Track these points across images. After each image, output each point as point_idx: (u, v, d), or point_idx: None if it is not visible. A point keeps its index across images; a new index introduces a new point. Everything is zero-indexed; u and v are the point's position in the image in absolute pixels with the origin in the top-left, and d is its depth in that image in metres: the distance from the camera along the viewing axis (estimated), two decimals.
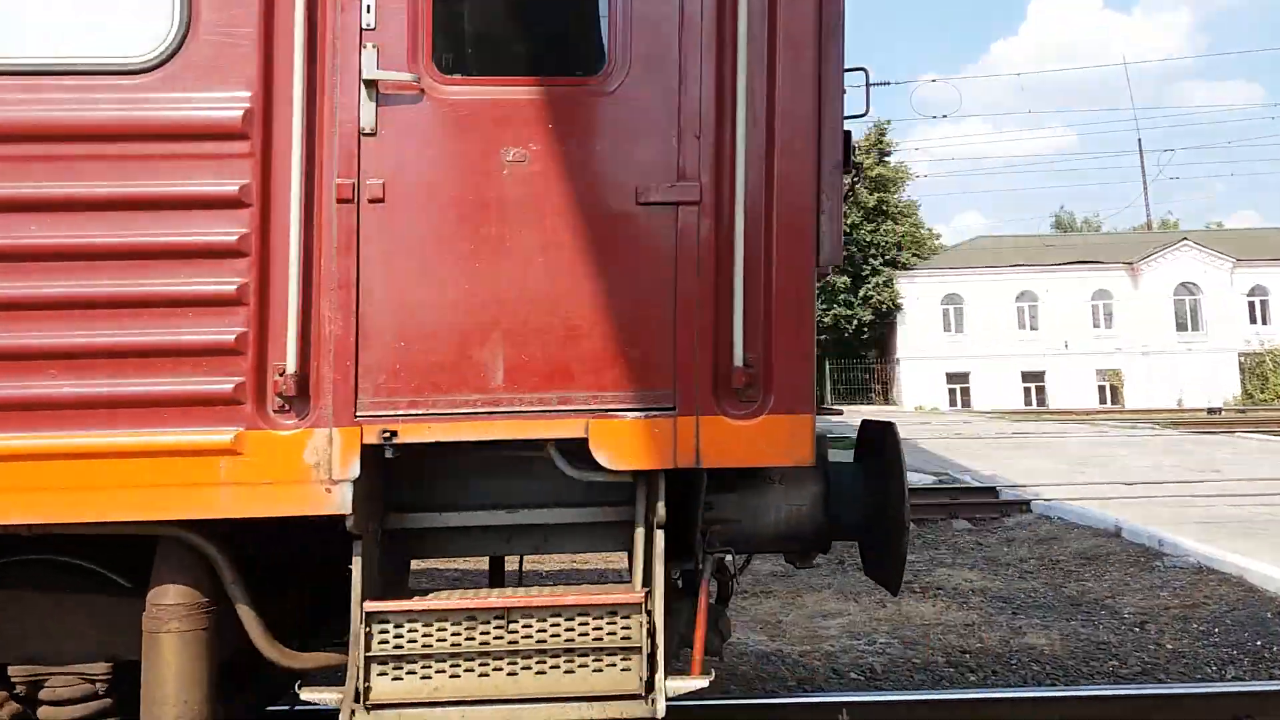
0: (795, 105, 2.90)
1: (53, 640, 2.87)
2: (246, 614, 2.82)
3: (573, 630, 2.78)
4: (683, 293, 2.84)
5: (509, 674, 2.74)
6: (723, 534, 3.20)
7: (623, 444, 2.79)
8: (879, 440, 3.52)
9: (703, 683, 2.83)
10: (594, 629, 2.78)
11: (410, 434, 2.73)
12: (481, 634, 2.75)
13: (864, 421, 4.65)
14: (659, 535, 2.87)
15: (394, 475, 2.97)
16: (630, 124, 2.87)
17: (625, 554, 3.18)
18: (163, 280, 2.70)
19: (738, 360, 2.82)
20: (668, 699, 2.77)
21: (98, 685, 2.92)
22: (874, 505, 3.29)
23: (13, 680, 2.91)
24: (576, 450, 2.85)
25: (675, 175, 2.86)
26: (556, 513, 3.04)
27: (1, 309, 2.65)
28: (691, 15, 2.88)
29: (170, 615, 2.75)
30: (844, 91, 3.01)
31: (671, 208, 2.85)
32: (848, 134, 3.05)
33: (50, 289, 2.67)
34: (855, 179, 3.54)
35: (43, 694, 2.91)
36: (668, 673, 2.81)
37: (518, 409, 2.79)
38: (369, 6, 2.79)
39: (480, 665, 2.74)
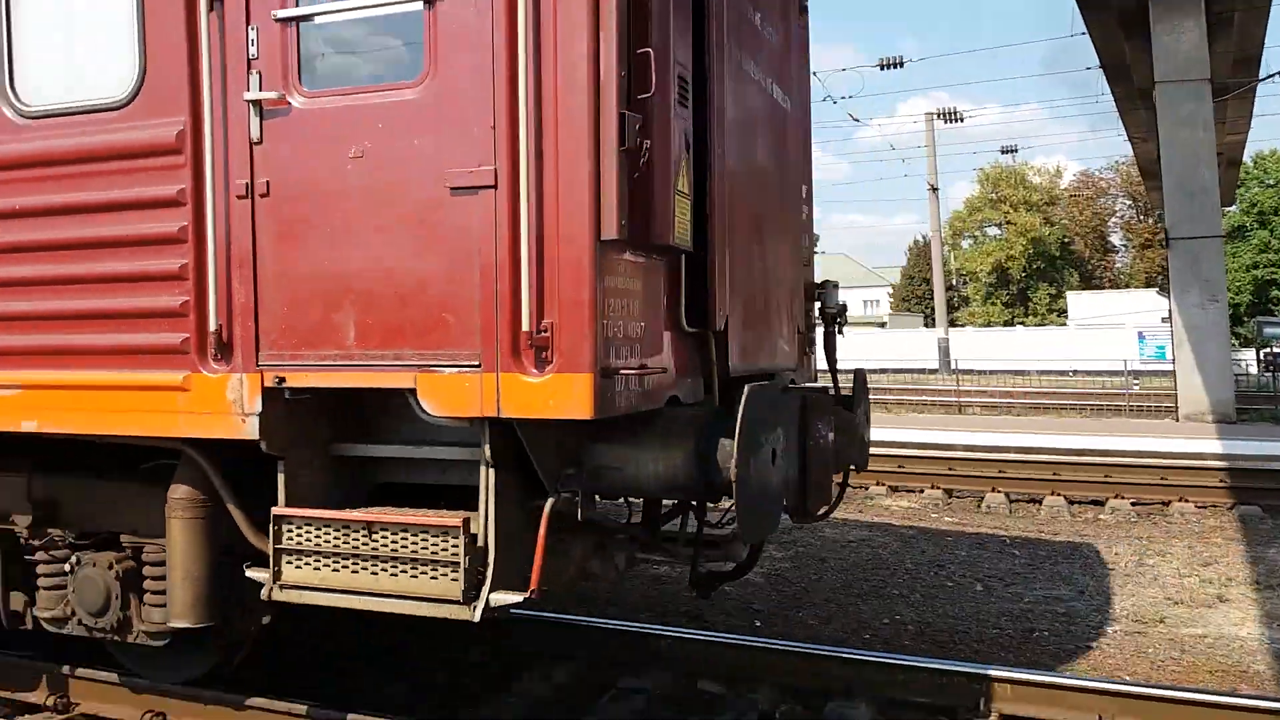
0: (569, 98, 3.13)
1: (121, 517, 4.14)
2: (233, 508, 3.82)
3: (416, 544, 3.43)
4: (484, 267, 3.26)
5: (371, 573, 3.48)
6: (598, 479, 3.61)
7: (440, 395, 3.33)
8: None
9: (516, 598, 3.36)
10: (431, 545, 3.41)
11: (295, 380, 3.51)
12: (351, 541, 3.50)
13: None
14: (487, 472, 3.38)
15: (339, 415, 3.75)
16: (440, 121, 3.29)
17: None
18: (140, 262, 3.70)
19: (525, 326, 3.19)
20: (488, 608, 3.34)
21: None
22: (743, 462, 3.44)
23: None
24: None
25: (476, 163, 3.23)
26: (441, 450, 3.66)
27: (43, 284, 3.84)
28: (482, 27, 3.21)
29: (177, 506, 3.85)
30: (621, 77, 3.12)
31: (474, 192, 3.24)
32: (623, 116, 3.13)
33: (71, 269, 3.80)
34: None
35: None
36: (495, 588, 3.37)
37: (366, 364, 3.43)
38: (253, 40, 3.46)
39: (352, 564, 3.51)
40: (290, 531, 3.57)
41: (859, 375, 5.34)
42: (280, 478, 3.64)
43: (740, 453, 3.35)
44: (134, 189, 3.68)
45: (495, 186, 3.21)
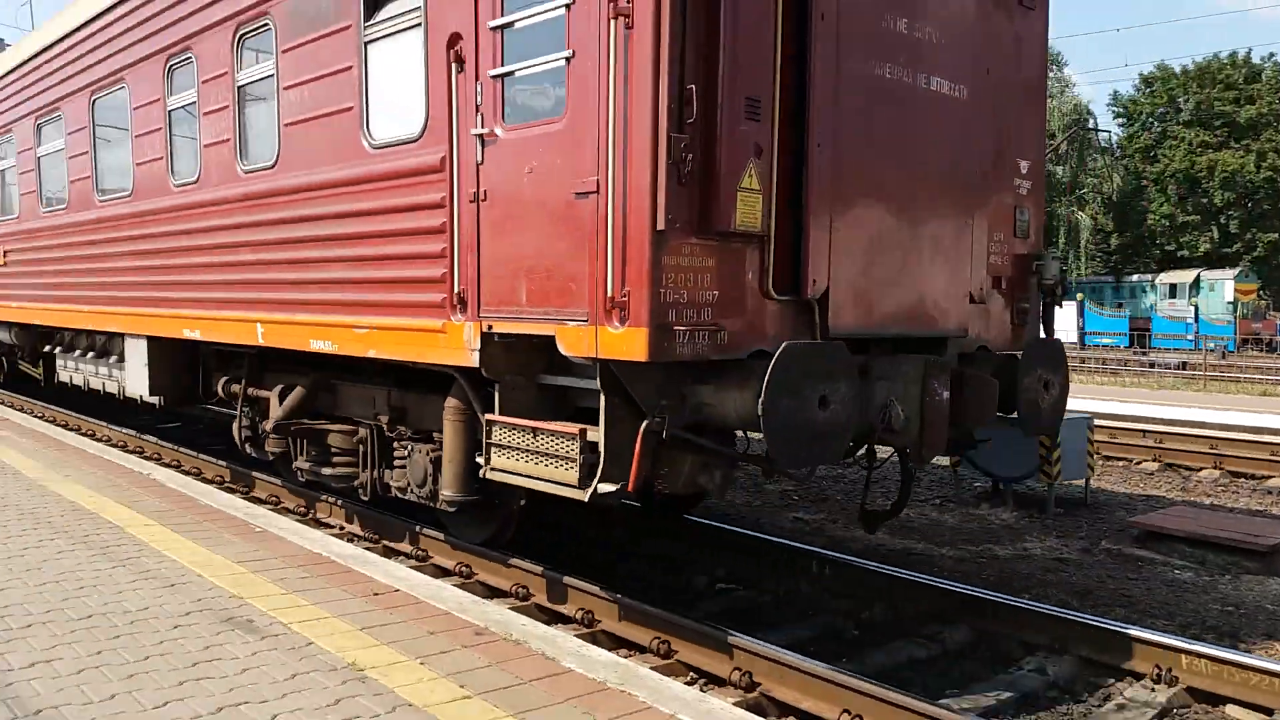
0: (636, 127, 4.31)
1: (436, 421, 6.07)
2: (478, 414, 5.55)
3: (556, 444, 4.83)
4: (590, 251, 4.49)
5: (534, 463, 4.97)
6: (699, 413, 4.75)
7: (568, 341, 4.64)
8: None
9: (614, 488, 4.63)
10: (563, 445, 4.79)
11: (497, 327, 5.08)
12: (525, 440, 5.02)
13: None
14: (599, 398, 4.68)
15: (535, 353, 5.20)
16: (573, 145, 4.59)
17: None
18: (421, 245, 5.54)
19: (610, 293, 4.38)
20: (595, 494, 4.68)
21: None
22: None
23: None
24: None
25: (588, 174, 4.48)
26: (584, 381, 5.01)
27: (376, 260, 5.86)
28: (593, 77, 4.48)
29: (448, 413, 5.68)
30: (671, 110, 4.24)
31: (586, 196, 4.50)
32: (670, 138, 4.25)
33: (389, 250, 5.77)
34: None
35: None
36: (603, 480, 4.68)
37: (531, 317, 4.88)
38: (479, 91, 5.07)
39: (525, 456, 5.02)
40: (495, 431, 5.18)
41: (1044, 346, 5.75)
42: (496, 396, 5.27)
43: (767, 394, 4.24)
44: (420, 195, 5.52)
45: (597, 192, 4.44)
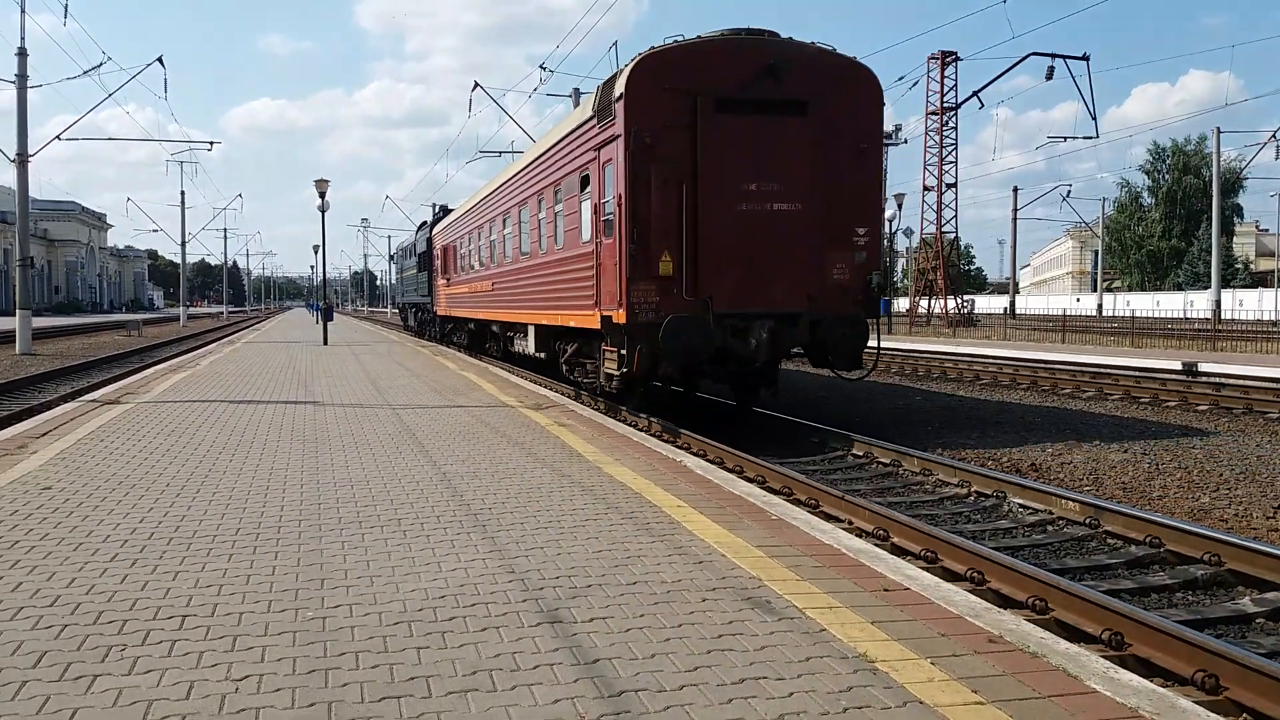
0: (610, 231, 12.19)
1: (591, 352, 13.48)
2: (602, 346, 12.93)
3: (615, 357, 12.42)
4: (594, 281, 12.62)
5: (610, 364, 12.56)
6: (655, 345, 11.65)
7: (592, 320, 12.68)
8: None
9: (626, 370, 11.99)
10: (616, 357, 12.21)
11: (602, 313, 12.32)
12: (609, 355, 12.51)
13: None
14: (626, 339, 11.95)
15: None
16: (611, 248, 12.09)
17: None
18: (582, 279, 12.91)
19: (602, 300, 12.60)
20: (619, 377, 12.35)
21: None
22: None
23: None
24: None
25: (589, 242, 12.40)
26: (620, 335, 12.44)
27: (574, 286, 13.58)
28: (600, 192, 12.30)
29: (596, 348, 13.01)
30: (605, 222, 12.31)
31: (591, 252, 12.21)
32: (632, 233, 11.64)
33: (578, 283, 12.04)
34: None
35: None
36: (622, 367, 12.21)
37: (606, 309, 12.28)
38: (590, 220, 12.70)
39: (609, 362, 12.56)
40: (605, 353, 12.57)
41: (847, 315, 12.30)
42: (604, 342, 12.64)
43: (666, 330, 11.19)
44: (588, 262, 12.62)
45: (594, 249, 12.30)
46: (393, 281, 69.88)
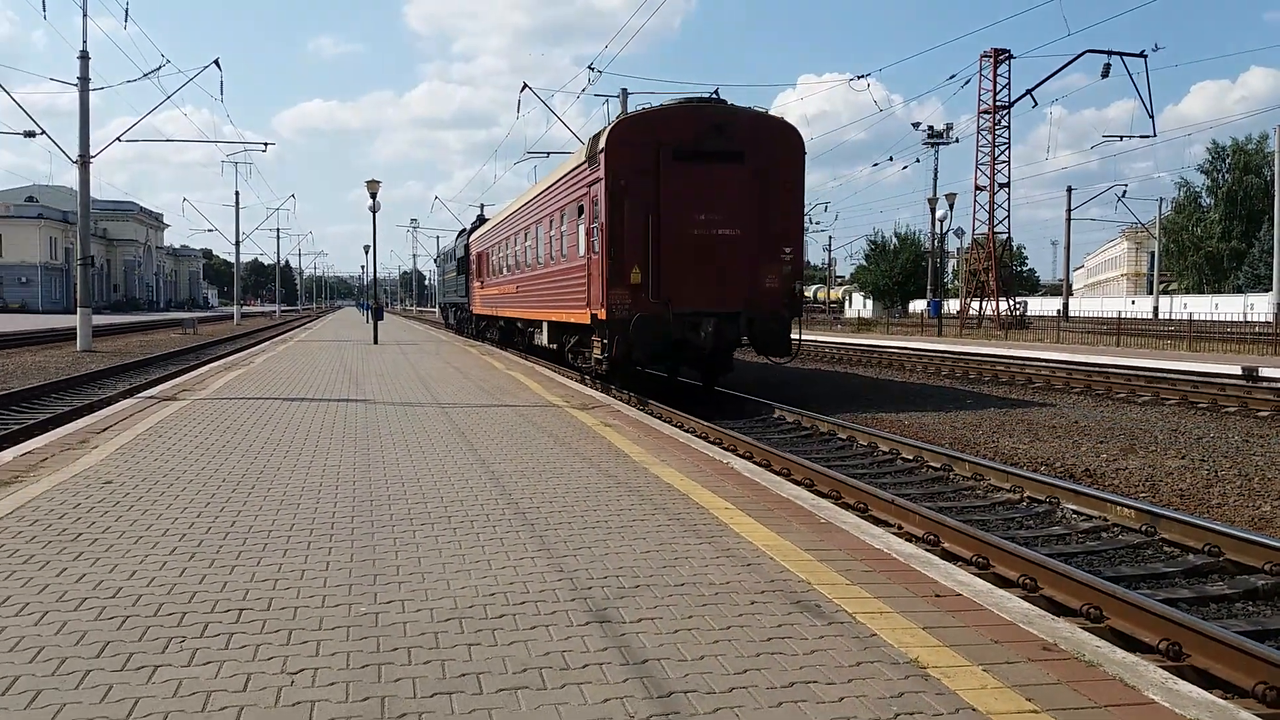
0: (596, 249, 16.22)
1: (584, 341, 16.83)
2: (592, 338, 16.87)
3: (600, 346, 16.22)
4: (585, 286, 16.53)
5: (597, 352, 16.36)
6: (628, 335, 15.61)
7: (583, 316, 16.70)
8: None
9: (609, 355, 15.76)
10: (600, 345, 16.12)
11: (591, 312, 16.14)
12: (596, 345, 16.40)
13: None
14: (601, 334, 16.08)
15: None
16: (578, 247, 17.50)
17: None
18: (577, 284, 16.83)
19: (592, 303, 16.25)
20: (605, 362, 16.16)
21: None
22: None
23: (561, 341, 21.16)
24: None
25: (584, 255, 16.36)
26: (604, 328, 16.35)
27: (569, 291, 17.92)
28: (589, 218, 16.34)
29: (589, 339, 16.93)
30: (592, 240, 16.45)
31: (584, 262, 16.55)
32: (611, 253, 15.65)
33: (574, 289, 16.67)
34: None
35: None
36: (604, 353, 16.18)
37: (584, 309, 16.74)
38: (583, 239, 16.85)
39: (597, 349, 16.38)
40: (595, 343, 16.25)
41: (773, 315, 16.01)
42: (595, 334, 16.29)
43: (630, 326, 15.08)
44: (582, 273, 16.53)
45: (586, 261, 16.36)
46: (436, 282, 73.48)
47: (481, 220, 39.47)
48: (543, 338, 22.01)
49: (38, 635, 3.83)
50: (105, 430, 9.62)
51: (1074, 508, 8.44)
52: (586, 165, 16.65)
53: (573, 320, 17.78)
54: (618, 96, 38.08)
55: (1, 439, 11.86)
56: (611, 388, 16.78)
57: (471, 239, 37.39)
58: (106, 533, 5.46)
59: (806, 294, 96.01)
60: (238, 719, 3.11)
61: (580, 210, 17.00)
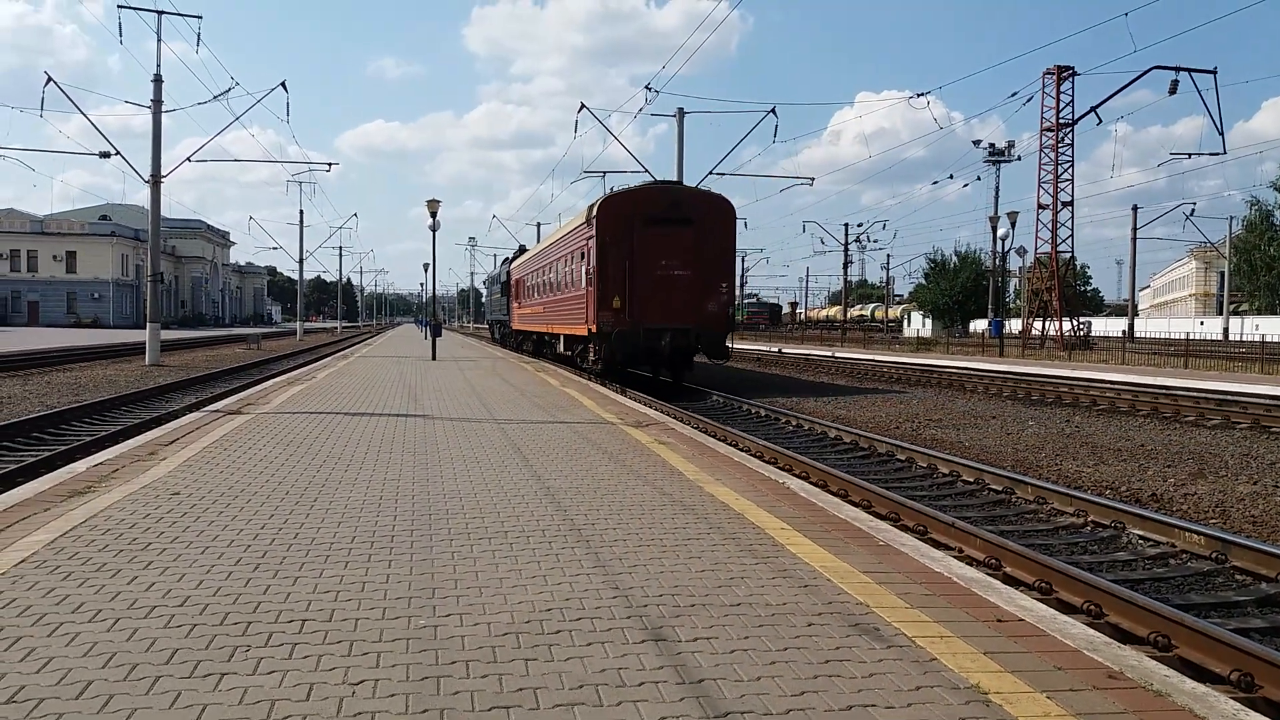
0: (589, 276, 22.95)
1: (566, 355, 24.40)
2: (590, 347, 23.88)
3: (592, 351, 23.60)
4: (585, 307, 23.36)
5: (594, 358, 23.67)
6: (612, 345, 22.60)
7: (582, 330, 23.78)
8: None
9: (600, 362, 23.06)
10: (593, 353, 23.49)
11: (590, 327, 22.69)
12: (593, 353, 23.66)
13: None
14: (596, 345, 23.08)
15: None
16: (580, 275, 24.05)
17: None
18: (581, 309, 23.35)
19: (590, 320, 22.72)
20: (598, 369, 23.38)
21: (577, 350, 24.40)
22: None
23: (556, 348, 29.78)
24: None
25: (584, 282, 23.08)
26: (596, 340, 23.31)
27: (572, 311, 25.32)
28: (588, 262, 22.98)
29: (588, 346, 23.79)
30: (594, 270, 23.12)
31: (585, 289, 23.13)
32: (600, 282, 22.53)
33: (576, 309, 23.88)
34: None
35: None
36: (595, 359, 23.78)
37: (581, 324, 23.75)
38: (590, 276, 22.64)
39: (589, 359, 24.20)
40: (591, 349, 23.35)
41: (714, 331, 22.65)
42: (593, 345, 23.02)
43: (611, 338, 21.86)
44: (583, 300, 23.28)
45: (585, 291, 22.86)
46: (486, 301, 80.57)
47: (522, 250, 46.62)
48: (560, 347, 28.84)
49: (110, 641, 3.94)
50: (173, 443, 9.88)
51: (1140, 533, 8.24)
52: (586, 224, 23.41)
53: (578, 333, 24.59)
54: (674, 115, 38.29)
55: (75, 450, 12.23)
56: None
57: (512, 266, 44.50)
58: (175, 542, 5.60)
59: (864, 312, 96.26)
60: None
61: (582, 255, 23.81)
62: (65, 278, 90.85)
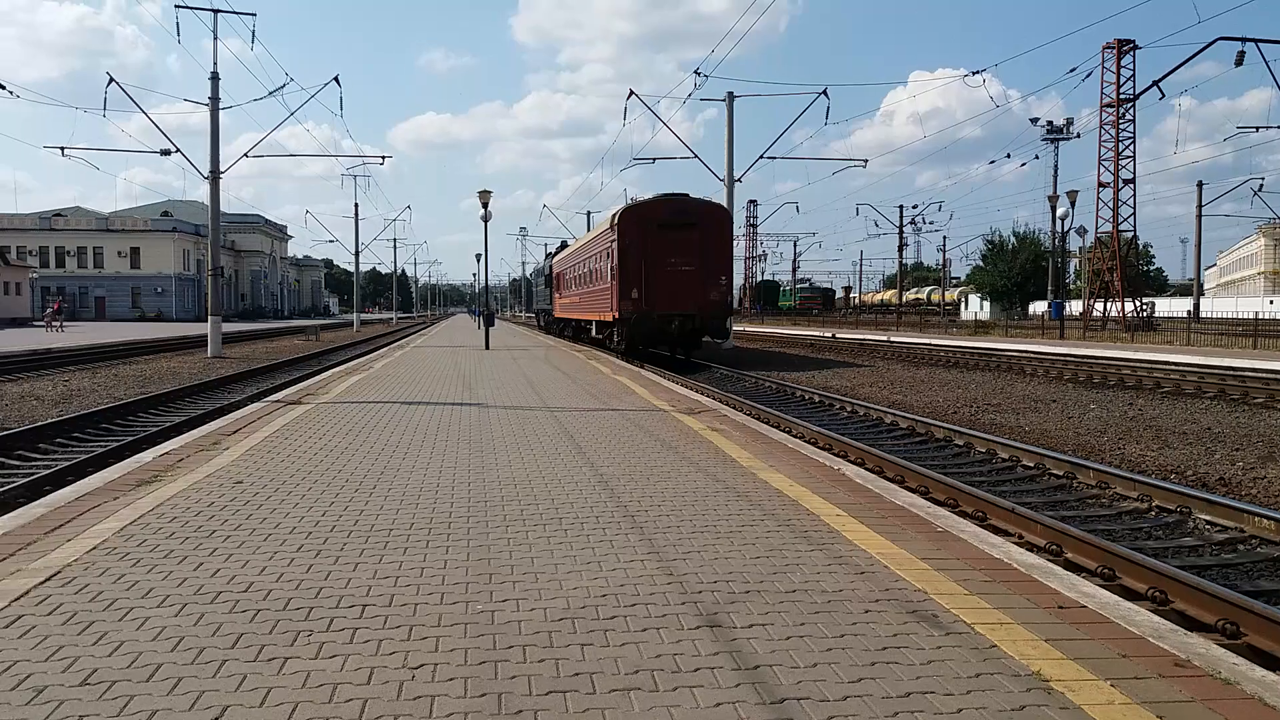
0: (614, 272, 27.31)
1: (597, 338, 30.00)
2: (614, 330, 28.27)
3: (614, 333, 28.60)
4: (610, 296, 27.82)
5: (618, 340, 28.07)
6: (632, 328, 27.26)
7: (607, 316, 28.44)
8: None
9: (623, 343, 27.56)
10: (616, 335, 28.04)
11: (615, 313, 27.17)
12: (616, 336, 28.27)
13: None
14: (619, 328, 27.57)
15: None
16: (606, 269, 29.05)
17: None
18: (607, 298, 28.08)
19: (615, 306, 27.07)
20: (620, 351, 27.74)
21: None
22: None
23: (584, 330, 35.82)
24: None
25: (609, 275, 27.73)
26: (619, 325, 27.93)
27: (602, 298, 29.72)
28: (611, 260, 27.70)
29: (614, 329, 28.02)
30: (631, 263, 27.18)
31: (609, 280, 27.93)
32: (623, 274, 27.05)
33: (602, 297, 29.17)
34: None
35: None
36: (619, 341, 28.10)
37: (606, 311, 28.76)
38: (617, 271, 26.81)
39: (606, 340, 30.44)
40: (615, 332, 28.09)
41: (716, 315, 27.01)
42: (616, 329, 27.62)
43: (630, 323, 26.33)
44: (608, 290, 27.91)
45: (610, 284, 27.42)
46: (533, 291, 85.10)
47: (563, 246, 52.01)
48: (593, 331, 33.27)
49: (178, 626, 4.05)
50: (235, 432, 10.09)
51: (1207, 518, 8.04)
52: (610, 229, 28.07)
53: (605, 319, 29.12)
54: (723, 100, 38.09)
55: (142, 440, 12.56)
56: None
57: (554, 261, 50.26)
58: (238, 530, 5.73)
59: (920, 296, 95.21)
60: (362, 711, 3.22)
61: (608, 254, 28.39)
62: (130, 273, 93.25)
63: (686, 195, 27.89)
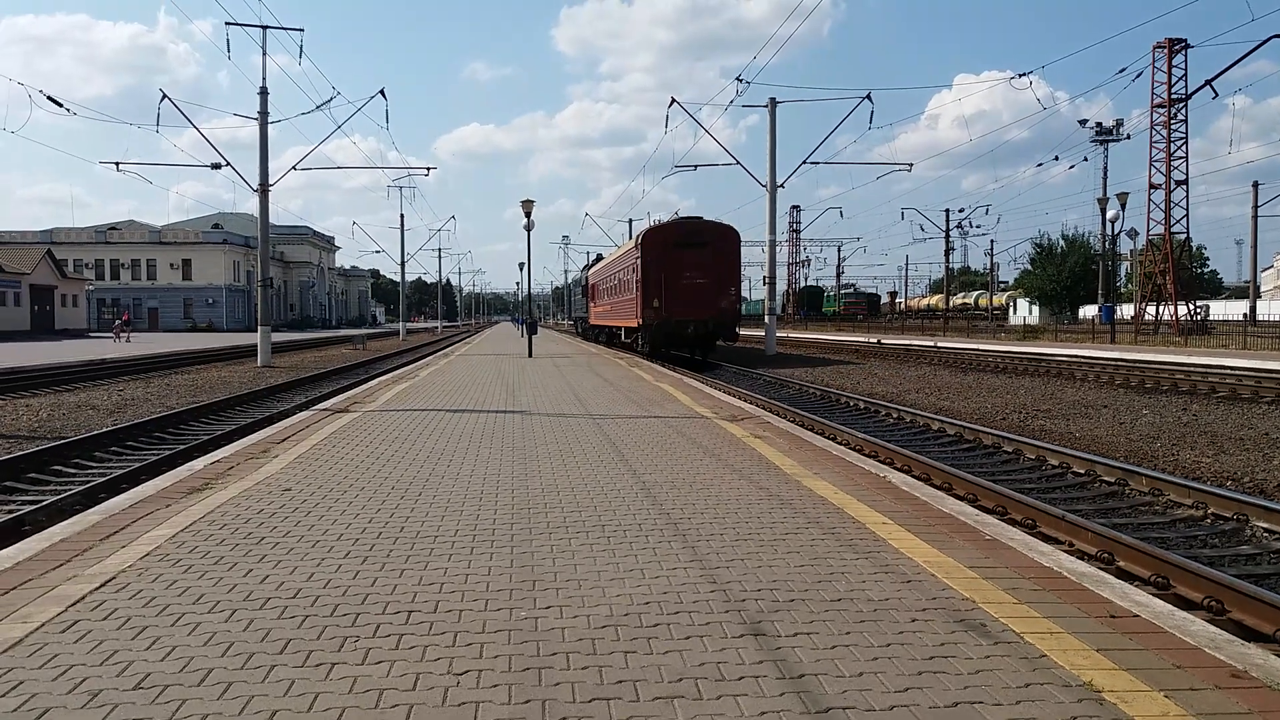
0: (638, 282, 32.60)
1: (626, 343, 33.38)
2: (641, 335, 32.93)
3: (636, 337, 33.81)
4: (635, 304, 32.88)
5: (643, 343, 33.21)
6: (654, 334, 32.59)
7: (634, 322, 33.27)
8: None
9: (647, 346, 32.75)
10: (640, 339, 33.32)
11: (639, 320, 32.31)
12: (641, 340, 33.24)
13: None
14: (644, 332, 32.46)
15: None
16: (631, 281, 34.24)
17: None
18: (631, 306, 34.70)
19: (640, 314, 32.04)
20: (645, 352, 32.71)
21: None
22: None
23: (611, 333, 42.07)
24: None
25: (635, 284, 32.82)
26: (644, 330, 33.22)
27: (627, 307, 35.31)
28: (635, 269, 33.05)
29: (638, 334, 33.00)
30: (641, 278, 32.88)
31: (634, 289, 33.15)
32: (645, 286, 32.47)
33: (627, 306, 35.19)
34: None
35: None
36: (643, 344, 33.17)
37: (632, 318, 33.60)
38: (641, 282, 32.09)
39: (638, 345, 34.14)
40: (640, 337, 32.95)
41: (726, 321, 32.25)
42: (640, 334, 32.65)
43: (655, 328, 31.54)
44: (633, 299, 33.05)
45: (635, 295, 32.56)
46: (571, 299, 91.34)
47: (598, 259, 57.80)
48: (622, 336, 37.81)
49: (228, 631, 4.11)
50: (284, 441, 10.24)
51: (1266, 525, 7.84)
52: (635, 248, 33.25)
53: (631, 325, 33.77)
54: (765, 106, 38.02)
55: (193, 448, 12.79)
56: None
57: (589, 273, 56.07)
58: (287, 537, 5.81)
59: (967, 300, 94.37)
60: (408, 717, 3.25)
61: (633, 269, 33.30)
62: (182, 284, 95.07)
63: (700, 218, 33.83)
